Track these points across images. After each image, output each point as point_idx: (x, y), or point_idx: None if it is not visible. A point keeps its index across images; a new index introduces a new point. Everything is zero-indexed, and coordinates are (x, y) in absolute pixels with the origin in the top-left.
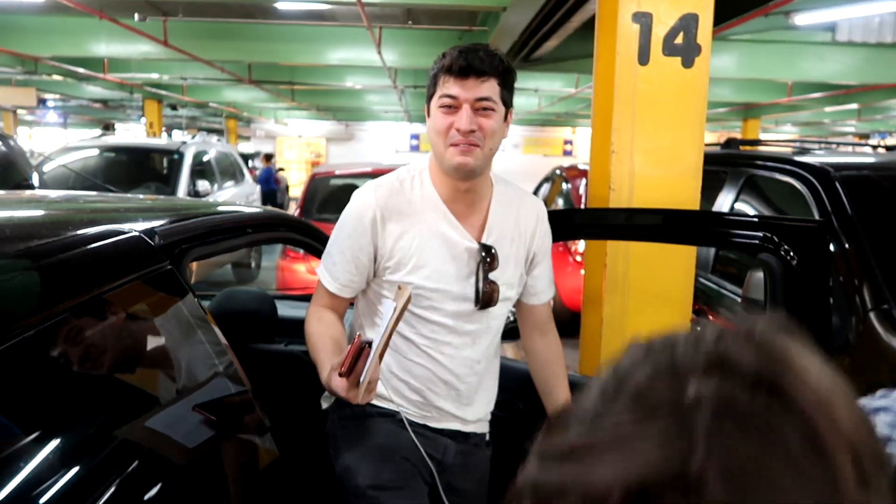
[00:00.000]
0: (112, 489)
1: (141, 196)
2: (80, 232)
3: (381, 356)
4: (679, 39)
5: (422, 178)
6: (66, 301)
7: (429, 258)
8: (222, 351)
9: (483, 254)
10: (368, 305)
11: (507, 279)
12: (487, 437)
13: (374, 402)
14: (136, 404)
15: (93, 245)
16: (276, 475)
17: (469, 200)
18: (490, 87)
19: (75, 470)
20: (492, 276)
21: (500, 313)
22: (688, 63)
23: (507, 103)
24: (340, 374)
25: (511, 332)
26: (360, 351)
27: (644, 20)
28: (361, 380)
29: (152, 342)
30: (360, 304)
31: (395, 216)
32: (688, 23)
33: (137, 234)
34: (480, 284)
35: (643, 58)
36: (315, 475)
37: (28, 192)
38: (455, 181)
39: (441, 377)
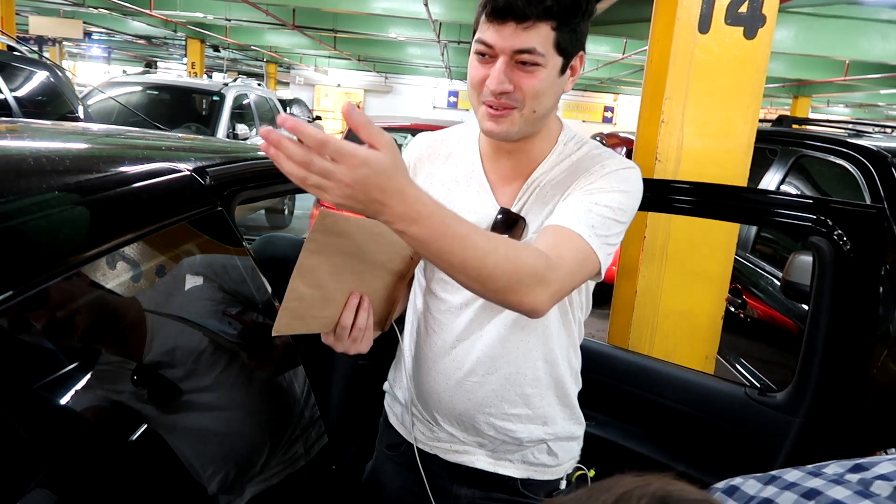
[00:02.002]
0: (153, 423)
1: (187, 135)
2: (131, 168)
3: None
4: (743, 8)
5: (470, 132)
6: (115, 238)
7: None
8: (268, 298)
9: (499, 219)
10: None
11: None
12: (561, 486)
13: (395, 424)
14: (180, 343)
15: (145, 182)
16: (309, 410)
17: (513, 163)
18: (536, 36)
19: (116, 399)
20: None
21: None
22: (750, 34)
23: (569, 51)
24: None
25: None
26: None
27: None
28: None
29: (199, 284)
30: None
31: (427, 169)
32: None
33: (189, 172)
34: None
35: (704, 26)
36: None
37: (77, 125)
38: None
39: (442, 370)
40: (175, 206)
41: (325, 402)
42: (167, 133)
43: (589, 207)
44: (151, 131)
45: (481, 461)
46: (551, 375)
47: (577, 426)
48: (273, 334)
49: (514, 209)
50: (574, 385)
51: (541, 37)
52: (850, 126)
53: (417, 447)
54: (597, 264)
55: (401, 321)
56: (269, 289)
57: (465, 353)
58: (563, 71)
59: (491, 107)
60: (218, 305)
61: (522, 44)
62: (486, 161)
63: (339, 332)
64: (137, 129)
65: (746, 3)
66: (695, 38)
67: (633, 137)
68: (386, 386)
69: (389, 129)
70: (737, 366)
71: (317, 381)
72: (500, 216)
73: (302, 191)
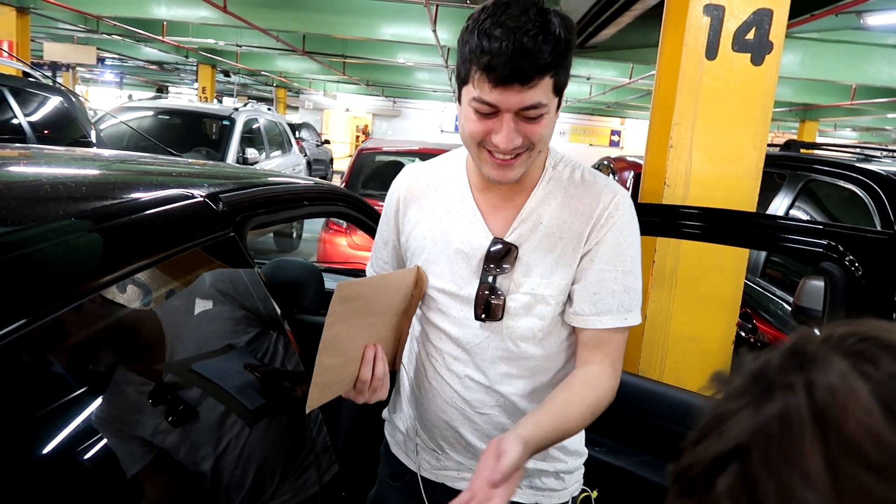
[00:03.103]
0: (163, 451)
1: (200, 160)
2: (145, 194)
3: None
4: (750, 35)
5: (458, 162)
6: (129, 264)
7: (440, 254)
8: (278, 322)
9: (491, 251)
10: None
11: (533, 287)
12: None
13: (397, 453)
14: (191, 368)
15: (159, 208)
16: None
17: (505, 191)
18: (540, 90)
19: (127, 425)
20: (513, 279)
21: (527, 333)
22: (757, 60)
23: (564, 87)
24: None
25: None
26: None
27: (715, 13)
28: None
29: (210, 310)
30: None
31: (417, 202)
32: (761, 18)
33: (202, 198)
34: (479, 288)
35: (711, 52)
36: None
37: (91, 150)
38: None
39: (449, 401)
40: (188, 232)
41: (333, 428)
42: (179, 158)
43: (623, 284)
44: (163, 156)
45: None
46: None
47: (581, 452)
48: (307, 411)
49: (508, 238)
50: None
51: (543, 89)
52: (858, 150)
53: (422, 476)
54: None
55: None
56: (280, 313)
57: (472, 385)
58: (559, 106)
59: (494, 156)
60: (229, 332)
61: (529, 101)
62: (475, 191)
63: (359, 386)
64: (149, 154)
65: (753, 29)
66: (702, 64)
67: (639, 161)
68: (385, 414)
69: (397, 154)
70: None
71: (325, 407)
72: (493, 247)
73: (312, 215)
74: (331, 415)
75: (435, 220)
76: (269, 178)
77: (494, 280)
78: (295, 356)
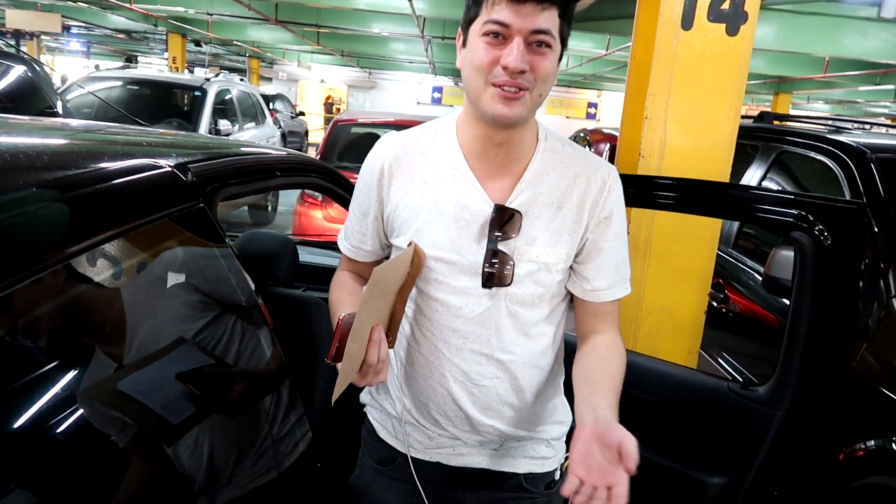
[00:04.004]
0: (131, 420)
1: (169, 130)
2: (111, 164)
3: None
4: (726, 5)
5: (446, 129)
6: (95, 235)
7: (435, 222)
8: (250, 295)
9: (494, 216)
10: None
11: (538, 255)
12: (556, 477)
13: (386, 437)
14: (160, 343)
15: (125, 178)
16: (294, 414)
17: (502, 157)
18: (550, 17)
19: (95, 397)
20: (517, 246)
21: (527, 299)
22: (732, 31)
23: (565, 40)
24: (328, 360)
25: None
26: (349, 331)
27: None
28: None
29: (181, 281)
30: None
31: (405, 170)
32: None
33: (170, 168)
34: (487, 255)
35: (687, 22)
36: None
37: (56, 120)
38: (488, 130)
39: (445, 373)
40: (156, 203)
41: (309, 400)
42: (148, 128)
43: (623, 255)
44: (132, 126)
45: (486, 461)
46: (554, 374)
47: (568, 420)
48: (332, 402)
49: (511, 205)
50: (562, 377)
51: (552, 19)
52: (830, 122)
53: (415, 458)
54: None
55: None
56: (253, 286)
57: (471, 357)
58: (559, 60)
59: (502, 88)
60: (201, 305)
61: (540, 24)
62: (469, 158)
63: (365, 369)
64: (118, 124)
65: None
66: (678, 34)
67: (616, 133)
68: (366, 399)
69: (373, 125)
70: (720, 360)
71: (300, 378)
72: (495, 214)
73: (284, 186)
74: (306, 386)
75: (426, 188)
76: (241, 149)
77: (496, 244)
78: (267, 328)
